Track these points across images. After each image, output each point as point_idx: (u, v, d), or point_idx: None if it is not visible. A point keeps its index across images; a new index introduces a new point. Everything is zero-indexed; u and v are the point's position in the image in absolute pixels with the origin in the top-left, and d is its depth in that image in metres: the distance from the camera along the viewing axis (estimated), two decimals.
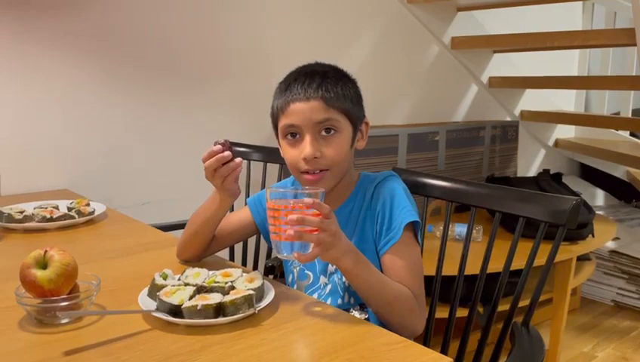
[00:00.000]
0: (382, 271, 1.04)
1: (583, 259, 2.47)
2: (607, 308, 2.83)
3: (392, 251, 1.04)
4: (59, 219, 1.44)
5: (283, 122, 1.04)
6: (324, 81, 1.03)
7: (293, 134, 1.04)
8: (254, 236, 1.42)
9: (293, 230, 0.85)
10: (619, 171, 3.35)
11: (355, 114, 1.06)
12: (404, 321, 0.95)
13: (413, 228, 1.06)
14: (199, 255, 1.16)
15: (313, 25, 2.47)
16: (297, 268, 1.17)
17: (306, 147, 1.01)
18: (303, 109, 1.01)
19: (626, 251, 2.80)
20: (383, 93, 2.72)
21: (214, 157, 0.99)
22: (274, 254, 1.77)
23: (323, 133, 1.02)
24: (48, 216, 1.43)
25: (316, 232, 0.86)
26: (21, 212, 1.44)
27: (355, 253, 0.94)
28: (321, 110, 1.01)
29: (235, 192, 1.06)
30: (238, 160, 1.00)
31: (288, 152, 1.05)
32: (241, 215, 1.21)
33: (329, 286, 1.11)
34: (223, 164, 1.00)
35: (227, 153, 0.99)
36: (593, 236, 2.31)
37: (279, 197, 0.91)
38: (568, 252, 2.16)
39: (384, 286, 0.97)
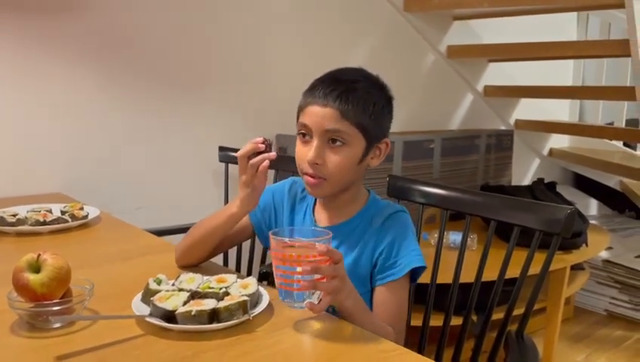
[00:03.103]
0: (371, 298, 1.06)
1: (576, 268, 2.47)
2: (600, 317, 2.83)
3: (388, 286, 1.05)
4: (52, 222, 1.43)
5: (300, 120, 1.06)
6: (348, 91, 1.01)
7: (305, 134, 1.05)
8: (248, 241, 1.41)
9: (307, 281, 0.85)
10: (612, 181, 3.36)
11: (371, 131, 1.04)
12: None
13: (413, 272, 1.06)
14: (201, 261, 1.16)
15: (311, 32, 2.47)
16: None
17: (311, 151, 1.02)
18: (318, 114, 1.02)
19: (619, 261, 2.81)
20: None
21: (251, 144, 1.03)
22: (268, 261, 1.76)
23: (330, 142, 1.02)
24: (41, 219, 1.43)
25: (324, 279, 0.86)
26: (14, 215, 1.43)
27: (355, 292, 0.95)
28: (335, 120, 1.01)
29: (258, 194, 1.07)
30: (272, 153, 1.03)
31: (298, 149, 1.06)
32: None
33: (317, 292, 1.10)
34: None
35: (262, 146, 1.03)
36: (587, 245, 2.32)
37: (284, 239, 0.90)
38: (562, 261, 2.17)
39: (373, 326, 0.96)
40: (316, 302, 0.87)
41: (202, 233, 1.12)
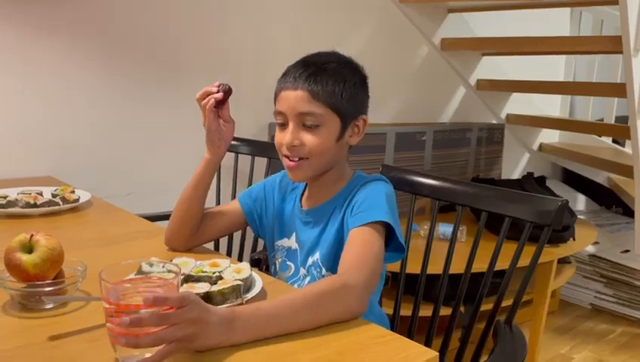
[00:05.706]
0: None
1: (563, 261, 2.51)
2: (584, 310, 2.87)
3: (352, 233, 0.98)
4: (43, 205, 1.42)
5: (276, 108, 1.07)
6: (318, 73, 1.03)
7: (282, 120, 1.06)
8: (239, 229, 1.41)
9: (125, 338, 0.68)
10: (600, 177, 3.40)
11: (344, 110, 1.05)
12: (337, 315, 0.85)
13: (384, 231, 1.00)
14: (189, 237, 1.15)
15: (304, 22, 2.46)
16: (279, 260, 1.18)
17: (287, 134, 1.04)
18: (290, 98, 1.03)
19: (605, 256, 2.85)
20: (372, 91, 2.71)
21: (203, 90, 1.10)
22: (259, 248, 1.77)
23: (305, 124, 1.04)
24: (32, 202, 1.41)
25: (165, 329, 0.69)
26: (4, 197, 1.42)
27: (239, 316, 0.76)
28: (306, 102, 1.02)
29: (213, 136, 1.13)
30: (218, 94, 1.09)
31: (276, 135, 1.08)
32: (231, 205, 1.23)
33: (308, 278, 1.12)
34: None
35: (214, 89, 1.09)
36: (574, 239, 2.35)
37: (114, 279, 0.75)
38: (550, 254, 2.19)
39: (294, 308, 0.82)
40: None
41: (185, 197, 1.14)
